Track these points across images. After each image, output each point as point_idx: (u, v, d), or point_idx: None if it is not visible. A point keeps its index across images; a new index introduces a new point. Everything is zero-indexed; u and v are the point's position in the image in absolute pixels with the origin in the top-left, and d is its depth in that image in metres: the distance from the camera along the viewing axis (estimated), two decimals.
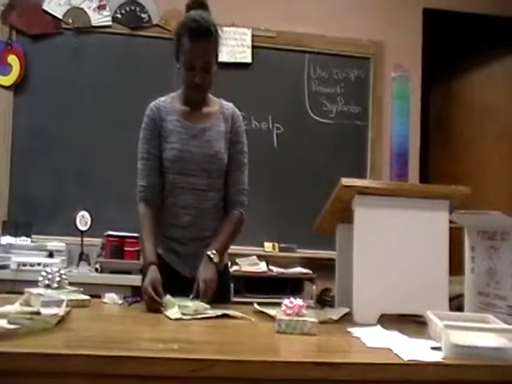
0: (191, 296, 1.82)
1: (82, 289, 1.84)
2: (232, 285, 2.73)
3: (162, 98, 2.10)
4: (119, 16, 3.89)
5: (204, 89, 2.03)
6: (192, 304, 1.73)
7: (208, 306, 1.74)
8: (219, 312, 1.69)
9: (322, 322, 1.58)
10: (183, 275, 1.98)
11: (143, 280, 1.89)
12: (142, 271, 1.96)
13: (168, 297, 1.77)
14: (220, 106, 2.11)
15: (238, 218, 2.07)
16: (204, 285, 1.83)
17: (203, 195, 2.03)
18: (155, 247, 1.97)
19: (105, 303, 1.85)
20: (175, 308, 1.68)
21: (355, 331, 1.52)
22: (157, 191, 2.04)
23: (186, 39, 1.93)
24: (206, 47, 1.94)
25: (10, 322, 1.30)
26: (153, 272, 1.86)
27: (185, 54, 1.95)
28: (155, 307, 1.74)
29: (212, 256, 1.92)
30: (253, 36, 3.98)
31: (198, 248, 1.98)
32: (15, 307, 1.51)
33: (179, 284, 1.86)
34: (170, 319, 1.63)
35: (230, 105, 2.13)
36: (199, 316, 1.66)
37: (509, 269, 1.61)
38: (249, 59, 3.98)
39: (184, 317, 1.64)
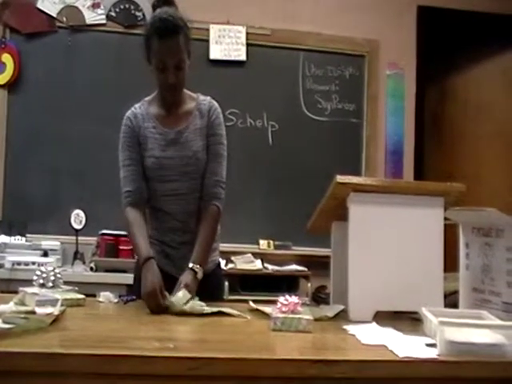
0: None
1: (76, 288, 1.84)
2: (227, 283, 2.75)
3: (137, 105, 2.08)
4: (113, 14, 3.88)
5: (178, 87, 1.98)
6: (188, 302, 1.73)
7: (204, 304, 1.74)
8: (215, 309, 1.69)
9: (317, 320, 1.58)
10: (171, 275, 1.94)
11: (137, 276, 1.88)
12: (139, 267, 1.90)
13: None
14: (197, 102, 2.06)
15: (214, 216, 2.01)
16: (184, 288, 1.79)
17: (187, 199, 2.01)
18: (148, 243, 1.95)
19: (100, 302, 1.85)
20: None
21: (350, 328, 1.52)
22: (143, 195, 2.03)
23: (155, 40, 1.89)
24: (176, 45, 1.90)
25: (4, 322, 1.30)
26: (154, 271, 1.83)
27: (156, 56, 1.91)
28: (160, 312, 1.72)
29: (197, 271, 1.87)
30: (247, 34, 3.97)
31: (188, 251, 1.95)
32: (10, 306, 1.50)
33: (168, 284, 1.83)
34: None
35: (208, 99, 2.09)
36: (196, 312, 1.66)
37: (503, 265, 1.61)
38: (243, 57, 3.97)
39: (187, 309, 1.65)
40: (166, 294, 1.77)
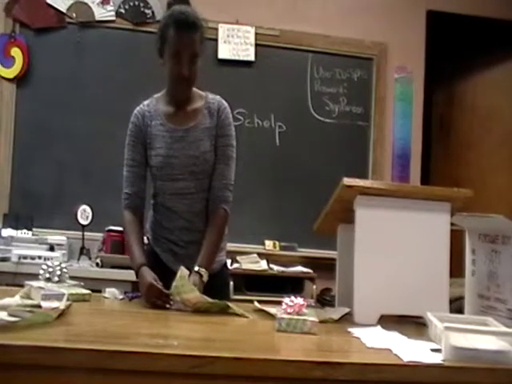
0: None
1: (82, 283, 1.85)
2: (232, 282, 2.75)
3: (146, 102, 2.08)
4: (123, 11, 3.89)
5: (190, 82, 1.98)
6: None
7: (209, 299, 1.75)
8: (221, 302, 1.70)
9: (322, 322, 1.58)
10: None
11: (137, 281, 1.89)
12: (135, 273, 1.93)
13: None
14: (206, 100, 2.06)
15: (222, 219, 2.02)
16: None
17: (193, 198, 2.01)
18: (143, 250, 1.96)
19: (105, 298, 1.86)
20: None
21: (355, 331, 1.52)
22: (141, 198, 2.04)
23: (172, 30, 1.91)
24: (193, 38, 1.92)
25: (10, 315, 1.30)
26: (148, 272, 1.85)
27: (171, 45, 1.92)
28: (163, 303, 1.73)
29: (202, 274, 1.87)
30: (256, 34, 3.97)
31: (195, 250, 1.96)
32: (15, 300, 1.51)
33: (172, 281, 1.85)
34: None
35: (217, 98, 2.08)
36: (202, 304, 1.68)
37: (510, 272, 1.61)
38: (252, 57, 3.97)
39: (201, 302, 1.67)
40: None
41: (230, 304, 1.71)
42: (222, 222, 2.02)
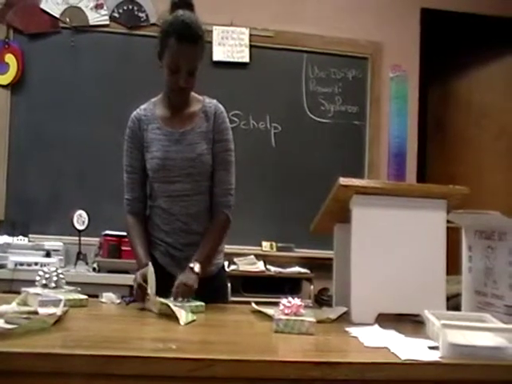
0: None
1: (79, 288, 1.84)
2: (229, 284, 2.75)
3: (143, 106, 2.08)
4: (117, 15, 3.89)
5: (187, 91, 1.99)
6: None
7: (203, 304, 1.75)
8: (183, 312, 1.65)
9: (319, 322, 1.58)
10: (175, 276, 1.94)
11: None
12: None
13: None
14: (203, 104, 2.05)
15: (222, 223, 2.02)
16: (177, 289, 1.80)
17: (190, 200, 2.01)
18: (147, 251, 1.98)
19: (102, 303, 1.85)
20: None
21: (353, 331, 1.52)
22: (141, 203, 2.07)
23: (173, 40, 1.88)
24: (194, 52, 1.90)
25: (7, 322, 1.30)
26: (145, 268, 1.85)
27: (171, 56, 1.90)
28: (143, 295, 1.76)
29: (193, 267, 1.87)
30: (251, 35, 3.98)
31: (192, 253, 1.95)
32: (12, 307, 1.51)
33: (171, 284, 1.84)
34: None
35: (213, 102, 2.07)
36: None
37: (506, 268, 1.61)
38: (247, 59, 3.98)
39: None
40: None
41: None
42: (222, 227, 2.03)
